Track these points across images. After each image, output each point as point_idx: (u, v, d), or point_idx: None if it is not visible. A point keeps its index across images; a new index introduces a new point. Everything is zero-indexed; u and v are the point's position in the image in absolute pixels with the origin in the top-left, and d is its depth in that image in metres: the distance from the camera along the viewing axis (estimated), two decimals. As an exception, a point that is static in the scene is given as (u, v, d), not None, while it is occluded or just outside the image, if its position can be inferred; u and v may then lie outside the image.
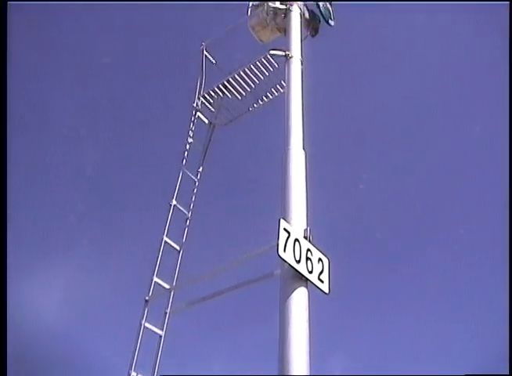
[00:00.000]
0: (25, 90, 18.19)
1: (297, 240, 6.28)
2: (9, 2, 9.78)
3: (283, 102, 8.30)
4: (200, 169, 9.58)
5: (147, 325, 7.77)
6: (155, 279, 8.15)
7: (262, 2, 10.07)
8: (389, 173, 19.31)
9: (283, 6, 9.79)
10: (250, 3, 10.32)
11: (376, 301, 17.00)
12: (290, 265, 6.11)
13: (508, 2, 12.24)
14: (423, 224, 18.57)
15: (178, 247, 8.74)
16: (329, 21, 10.16)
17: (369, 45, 19.22)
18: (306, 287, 6.22)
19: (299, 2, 9.82)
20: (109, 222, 19.31)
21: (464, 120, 19.12)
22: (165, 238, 8.58)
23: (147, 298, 7.98)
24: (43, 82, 19.51)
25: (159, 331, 7.86)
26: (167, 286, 8.22)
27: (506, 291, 10.48)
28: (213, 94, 9.94)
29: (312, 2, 10.10)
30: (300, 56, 8.91)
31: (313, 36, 9.99)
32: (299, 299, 6.09)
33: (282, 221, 6.29)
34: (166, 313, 8.04)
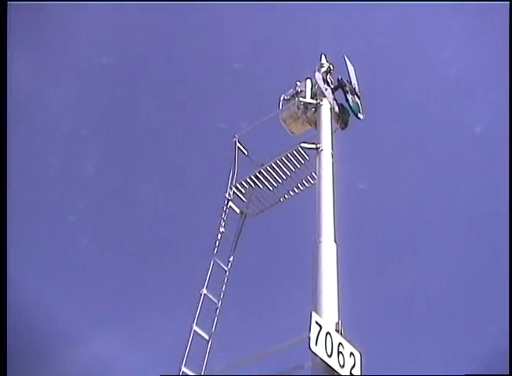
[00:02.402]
0: (25, 90, 18.53)
1: (328, 333, 6.26)
2: (9, 2, 10.09)
3: (314, 193, 8.46)
4: (231, 258, 9.65)
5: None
6: (183, 368, 8.10)
7: (293, 96, 10.42)
8: (418, 263, 19.16)
9: (314, 101, 10.12)
10: (282, 96, 10.67)
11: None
12: (321, 359, 6.08)
13: (508, 2, 12.46)
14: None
15: (206, 337, 8.71)
16: (359, 115, 10.43)
17: (398, 137, 19.49)
18: (338, 381, 6.17)
19: (329, 97, 10.14)
20: (109, 223, 19.31)
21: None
22: (194, 327, 8.58)
23: (174, 387, 7.92)
24: (43, 82, 19.88)
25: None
26: (194, 376, 8.16)
27: (506, 291, 10.26)
28: (245, 184, 10.13)
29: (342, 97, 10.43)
30: (330, 149, 9.14)
31: (343, 129, 10.25)
32: (331, 394, 6.03)
33: (313, 314, 6.31)
34: (194, 404, 7.95)
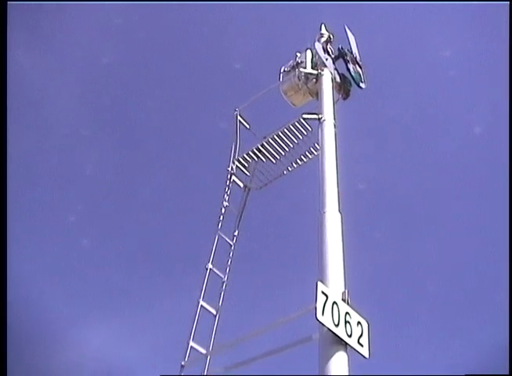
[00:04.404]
0: (25, 90, 18.54)
1: (335, 303, 6.22)
2: (9, 2, 10.05)
3: (317, 164, 8.39)
4: (236, 233, 9.60)
5: (183, 391, 7.69)
6: (191, 343, 8.09)
7: (294, 67, 10.29)
8: (425, 231, 19.17)
9: (315, 71, 10.00)
10: (282, 68, 10.54)
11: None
12: (328, 329, 6.05)
13: (508, 2, 12.38)
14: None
15: (214, 311, 8.69)
16: (360, 84, 10.31)
17: (400, 105, 19.42)
18: (345, 351, 6.13)
19: (330, 67, 10.01)
20: (109, 223, 19.42)
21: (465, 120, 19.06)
22: (201, 302, 8.56)
23: (183, 363, 7.90)
24: (43, 82, 19.88)
25: (195, 397, 7.76)
26: (203, 351, 8.13)
27: (506, 290, 10.28)
28: (247, 158, 10.05)
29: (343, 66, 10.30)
30: (332, 119, 9.04)
31: (345, 99, 10.13)
32: (339, 364, 5.99)
33: (319, 283, 6.26)
34: (202, 379, 7.94)
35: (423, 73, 19.93)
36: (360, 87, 10.27)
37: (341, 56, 10.34)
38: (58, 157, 20.22)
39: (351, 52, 10.45)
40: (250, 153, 10.04)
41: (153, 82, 21.02)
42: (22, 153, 17.85)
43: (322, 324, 6.02)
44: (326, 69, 9.93)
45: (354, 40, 10.74)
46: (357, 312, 6.47)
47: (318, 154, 8.81)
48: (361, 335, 6.34)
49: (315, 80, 9.93)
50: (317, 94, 9.77)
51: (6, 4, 9.93)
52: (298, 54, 10.41)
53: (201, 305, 8.53)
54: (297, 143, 9.87)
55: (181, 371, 7.83)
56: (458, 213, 18.69)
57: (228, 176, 9.94)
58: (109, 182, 20.12)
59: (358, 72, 10.37)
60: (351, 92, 10.16)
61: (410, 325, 17.06)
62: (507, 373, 8.98)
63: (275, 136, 9.84)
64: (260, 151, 9.98)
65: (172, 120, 20.54)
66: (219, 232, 9.36)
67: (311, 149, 9.78)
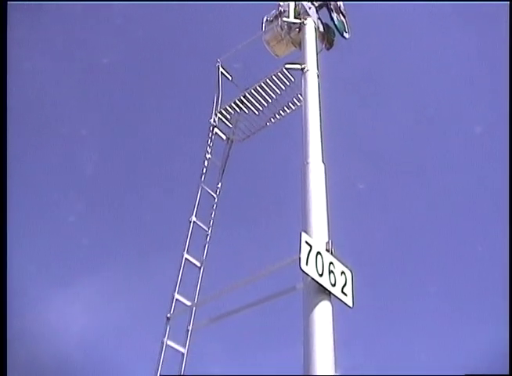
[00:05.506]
0: (25, 90, 18.31)
1: (319, 253, 6.21)
2: (9, 2, 9.88)
3: (300, 115, 8.28)
4: (219, 185, 9.56)
5: (169, 343, 7.72)
6: (176, 296, 8.11)
7: (276, 17, 10.09)
8: (410, 182, 19.25)
9: (297, 20, 9.81)
10: (265, 18, 10.34)
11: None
12: (312, 278, 6.05)
13: (508, 2, 12.31)
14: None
15: (198, 264, 8.70)
16: (344, 34, 10.16)
17: (384, 56, 19.29)
18: (329, 300, 6.14)
19: (313, 16, 9.83)
20: (109, 223, 19.41)
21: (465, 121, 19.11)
22: (185, 255, 8.55)
23: (169, 315, 7.93)
24: (43, 82, 19.63)
25: (181, 349, 7.79)
26: (188, 303, 8.17)
27: (506, 290, 10.39)
28: (230, 110, 9.94)
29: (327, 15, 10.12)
30: (316, 70, 8.88)
31: (328, 49, 10.00)
32: (323, 313, 6.00)
33: (303, 234, 6.23)
34: (188, 331, 7.99)
35: (422, 73, 19.80)
36: (344, 37, 10.13)
37: (325, 4, 10.14)
38: (58, 157, 20.00)
39: (335, 1, 10.25)
40: (233, 104, 9.91)
41: (153, 82, 20.79)
42: (22, 153, 17.60)
43: (307, 274, 6.01)
44: (309, 18, 9.73)
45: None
46: (341, 262, 6.47)
47: (301, 105, 8.69)
48: (345, 285, 6.35)
49: (298, 29, 9.74)
50: (300, 44, 9.59)
51: (6, 4, 9.73)
52: (281, 3, 10.20)
53: (185, 258, 8.53)
54: (280, 94, 9.75)
55: (166, 323, 7.86)
56: (457, 213, 18.74)
57: (211, 128, 9.83)
58: (109, 182, 19.92)
59: (342, 21, 10.22)
60: (334, 42, 10.00)
61: (396, 275, 17.24)
62: (507, 373, 9.02)
63: (258, 87, 9.71)
64: (242, 102, 9.86)
65: (172, 120, 20.29)
66: (202, 184, 9.30)
67: (295, 99, 9.69)
